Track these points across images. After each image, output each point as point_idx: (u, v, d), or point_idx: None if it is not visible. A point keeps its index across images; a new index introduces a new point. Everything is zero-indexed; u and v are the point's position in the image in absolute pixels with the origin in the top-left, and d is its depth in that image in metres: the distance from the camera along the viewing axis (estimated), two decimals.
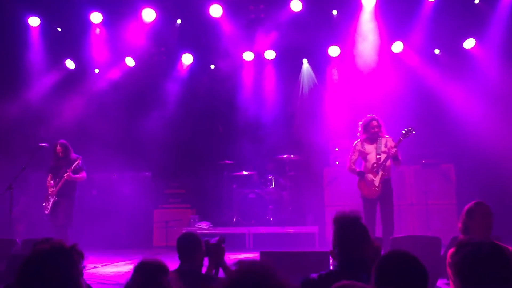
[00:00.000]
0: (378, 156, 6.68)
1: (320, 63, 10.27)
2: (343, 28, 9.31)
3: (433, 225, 8.46)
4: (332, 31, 9.43)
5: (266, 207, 9.18)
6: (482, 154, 8.82)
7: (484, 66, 9.17)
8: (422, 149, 9.00)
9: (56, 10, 9.17)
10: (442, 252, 5.17)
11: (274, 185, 9.61)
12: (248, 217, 9.18)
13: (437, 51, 9.72)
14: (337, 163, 9.59)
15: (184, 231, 8.81)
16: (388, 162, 6.71)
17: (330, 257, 2.93)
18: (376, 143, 6.76)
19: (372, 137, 6.80)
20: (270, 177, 9.65)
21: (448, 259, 3.24)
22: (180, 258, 3.68)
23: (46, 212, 7.54)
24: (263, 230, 8.96)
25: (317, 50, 10.00)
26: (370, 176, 6.71)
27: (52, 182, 7.62)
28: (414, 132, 6.59)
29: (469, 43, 9.31)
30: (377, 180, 6.64)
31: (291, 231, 8.97)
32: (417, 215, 8.72)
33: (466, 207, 3.87)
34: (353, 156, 6.94)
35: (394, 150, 6.55)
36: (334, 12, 9.18)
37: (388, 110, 9.07)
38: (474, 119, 8.95)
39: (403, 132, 6.62)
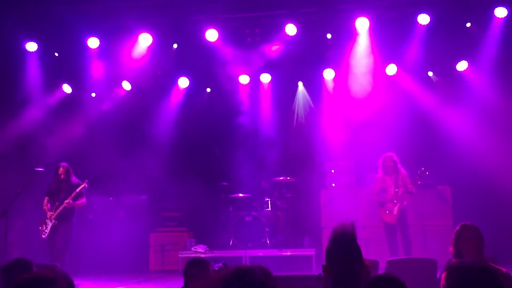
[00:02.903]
0: (396, 190, 7.89)
1: (315, 85, 10.36)
2: (338, 51, 9.43)
3: (430, 246, 8.44)
4: (326, 54, 9.55)
5: (262, 229, 9.14)
6: (478, 175, 8.87)
7: (478, 88, 9.29)
8: (418, 170, 9.02)
9: (53, 35, 9.24)
10: (438, 275, 5.15)
11: (271, 207, 9.58)
12: (245, 240, 9.12)
13: (430, 74, 9.84)
14: (333, 184, 9.60)
15: (180, 255, 8.87)
16: None
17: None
18: (394, 178, 7.93)
19: (388, 171, 7.97)
20: (266, 199, 9.63)
21: (442, 282, 3.23)
22: (186, 283, 3.71)
23: (44, 237, 7.48)
24: (260, 253, 8.91)
25: (312, 73, 10.11)
26: (389, 205, 7.90)
27: (48, 205, 7.57)
28: (427, 173, 7.90)
29: (461, 66, 9.44)
30: (395, 209, 7.87)
31: (288, 253, 8.92)
32: (414, 236, 8.67)
33: (454, 230, 3.87)
34: (374, 189, 8.12)
35: (411, 186, 7.79)
36: (329, 35, 9.30)
37: (383, 132, 9.15)
38: (469, 140, 9.02)
39: (418, 173, 7.87)
